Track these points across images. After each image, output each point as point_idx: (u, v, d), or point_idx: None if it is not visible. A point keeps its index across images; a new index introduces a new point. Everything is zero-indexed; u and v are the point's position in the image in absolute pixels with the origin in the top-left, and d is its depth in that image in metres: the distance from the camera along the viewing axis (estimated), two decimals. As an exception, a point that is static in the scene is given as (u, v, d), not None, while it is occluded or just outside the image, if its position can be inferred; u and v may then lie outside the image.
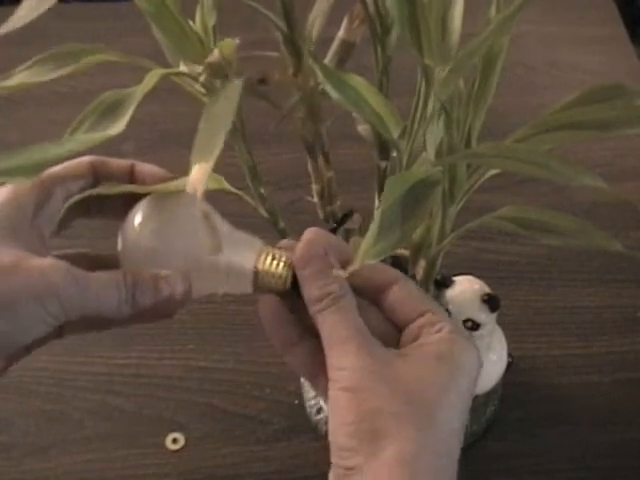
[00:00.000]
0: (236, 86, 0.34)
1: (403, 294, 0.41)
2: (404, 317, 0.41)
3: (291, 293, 0.41)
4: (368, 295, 0.42)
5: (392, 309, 0.41)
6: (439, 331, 0.39)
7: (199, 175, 0.30)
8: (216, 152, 0.31)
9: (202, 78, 0.38)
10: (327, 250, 0.40)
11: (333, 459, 0.37)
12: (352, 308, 0.40)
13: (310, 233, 0.41)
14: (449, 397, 0.38)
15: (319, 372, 0.41)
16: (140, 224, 0.41)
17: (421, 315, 0.40)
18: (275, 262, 0.41)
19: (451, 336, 0.39)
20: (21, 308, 0.37)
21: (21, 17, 0.34)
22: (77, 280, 0.38)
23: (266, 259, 0.41)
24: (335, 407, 0.37)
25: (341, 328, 0.39)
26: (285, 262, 0.41)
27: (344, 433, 0.36)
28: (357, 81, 0.42)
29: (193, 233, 0.41)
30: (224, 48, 0.37)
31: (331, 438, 0.37)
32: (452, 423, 0.37)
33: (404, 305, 0.41)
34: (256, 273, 0.41)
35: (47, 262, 0.38)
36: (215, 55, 0.36)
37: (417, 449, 0.36)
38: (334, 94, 0.41)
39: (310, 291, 0.40)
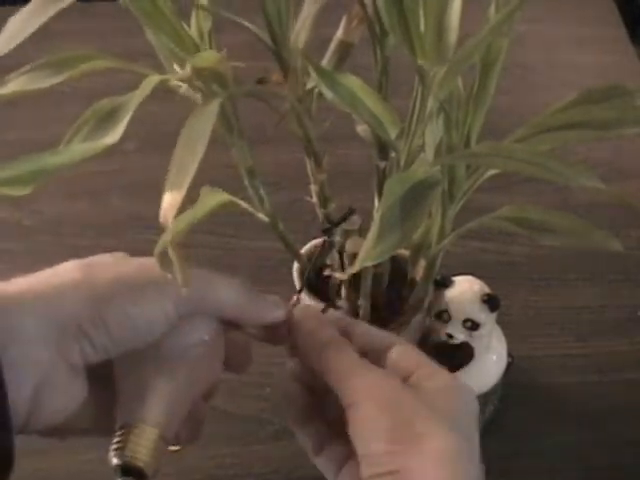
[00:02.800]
0: (210, 112, 0.34)
1: (401, 353, 0.42)
2: (404, 373, 0.41)
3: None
4: (370, 357, 0.42)
5: (393, 368, 0.42)
6: (436, 381, 0.40)
7: (170, 204, 0.31)
8: (187, 181, 0.31)
9: (172, 82, 0.38)
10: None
11: (367, 470, 0.37)
12: (352, 348, 0.41)
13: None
14: (461, 423, 0.38)
15: (344, 474, 0.42)
16: None
17: (419, 368, 0.41)
18: (136, 442, 0.39)
19: (449, 384, 0.40)
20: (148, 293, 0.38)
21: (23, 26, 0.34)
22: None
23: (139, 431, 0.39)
24: (366, 420, 0.37)
25: (349, 360, 0.40)
26: (135, 449, 0.39)
27: (382, 439, 0.36)
28: (351, 80, 0.42)
29: None
30: (200, 61, 0.36)
31: (364, 450, 0.37)
32: (472, 449, 0.38)
33: (402, 361, 0.41)
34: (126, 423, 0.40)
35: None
36: (186, 71, 0.36)
37: (457, 447, 0.37)
38: (328, 94, 0.41)
39: (314, 342, 0.41)
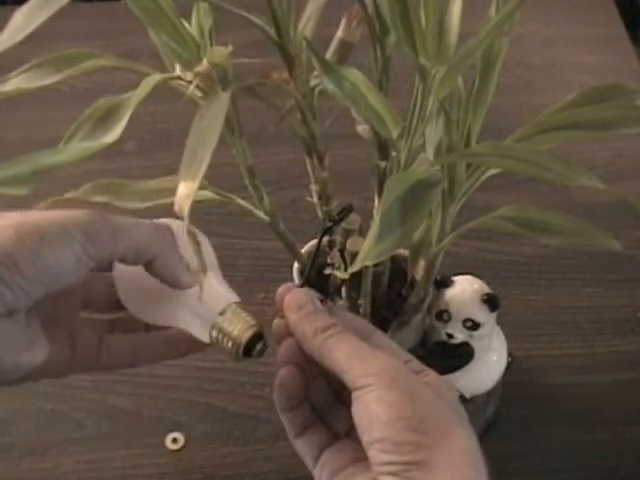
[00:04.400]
0: (222, 102, 0.34)
1: (386, 342, 0.43)
2: None
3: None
4: None
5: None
6: (429, 373, 0.41)
7: (185, 193, 0.31)
8: (202, 171, 0.31)
9: (194, 83, 0.38)
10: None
11: (382, 457, 0.36)
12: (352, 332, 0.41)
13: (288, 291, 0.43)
14: (466, 418, 0.39)
15: (326, 459, 0.42)
16: None
17: (409, 361, 0.41)
18: (234, 325, 0.41)
19: (441, 379, 0.41)
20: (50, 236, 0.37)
21: (22, 26, 0.34)
22: (105, 219, 0.39)
23: (227, 318, 0.41)
24: (381, 405, 0.37)
25: (358, 344, 0.40)
26: (242, 328, 0.41)
27: (404, 427, 0.36)
28: (355, 74, 0.41)
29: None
30: (214, 57, 0.36)
31: (378, 435, 0.37)
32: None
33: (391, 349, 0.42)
34: (212, 327, 0.41)
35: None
36: (204, 65, 0.36)
37: (477, 446, 0.37)
38: (331, 87, 0.40)
39: (313, 325, 0.41)
